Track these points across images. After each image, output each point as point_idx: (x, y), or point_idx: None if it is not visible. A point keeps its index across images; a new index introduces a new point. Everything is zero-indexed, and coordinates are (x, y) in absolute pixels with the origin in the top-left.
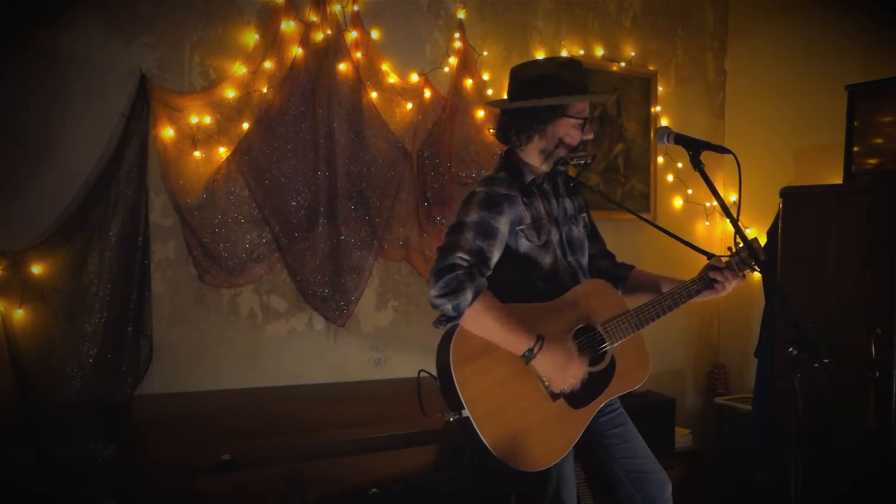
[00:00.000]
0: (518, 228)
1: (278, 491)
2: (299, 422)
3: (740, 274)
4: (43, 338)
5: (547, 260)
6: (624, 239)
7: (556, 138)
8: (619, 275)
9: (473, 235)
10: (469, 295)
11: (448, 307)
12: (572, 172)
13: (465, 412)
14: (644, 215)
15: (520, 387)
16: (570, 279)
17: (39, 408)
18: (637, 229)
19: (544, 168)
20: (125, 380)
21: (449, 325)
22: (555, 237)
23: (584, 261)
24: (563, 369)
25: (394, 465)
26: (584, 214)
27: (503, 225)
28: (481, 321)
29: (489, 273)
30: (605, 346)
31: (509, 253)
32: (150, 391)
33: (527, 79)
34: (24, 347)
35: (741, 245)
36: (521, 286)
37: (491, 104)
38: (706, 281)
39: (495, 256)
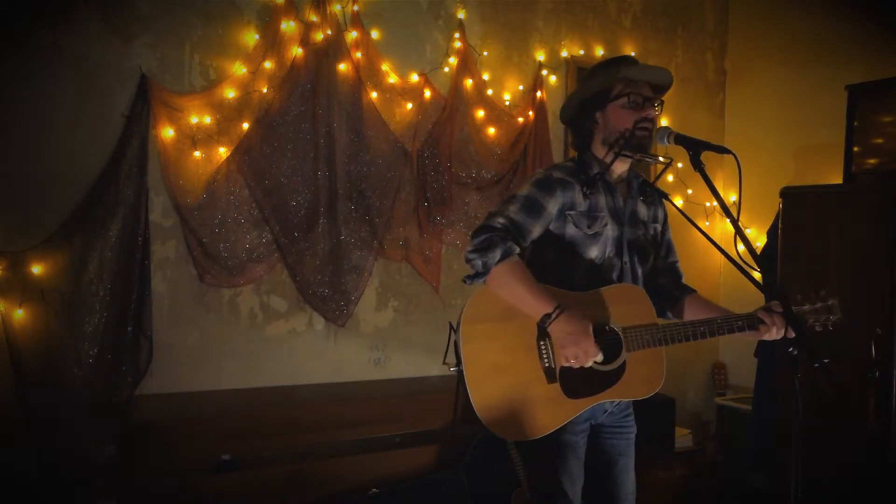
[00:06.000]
0: (567, 213)
1: (278, 491)
2: (299, 422)
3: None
4: (43, 338)
5: (594, 252)
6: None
7: (609, 124)
8: (673, 295)
9: (518, 208)
10: (498, 253)
11: (478, 263)
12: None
13: (462, 367)
14: None
15: (519, 360)
16: (615, 279)
17: (39, 408)
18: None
19: (609, 159)
20: (125, 380)
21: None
22: (611, 232)
23: (642, 268)
24: (575, 342)
25: (394, 465)
26: (658, 224)
27: (551, 205)
28: (506, 280)
29: (525, 245)
30: (621, 350)
31: (556, 236)
32: (150, 391)
33: (582, 81)
34: (24, 347)
35: (818, 304)
36: (562, 272)
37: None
38: (752, 320)
39: (534, 233)
